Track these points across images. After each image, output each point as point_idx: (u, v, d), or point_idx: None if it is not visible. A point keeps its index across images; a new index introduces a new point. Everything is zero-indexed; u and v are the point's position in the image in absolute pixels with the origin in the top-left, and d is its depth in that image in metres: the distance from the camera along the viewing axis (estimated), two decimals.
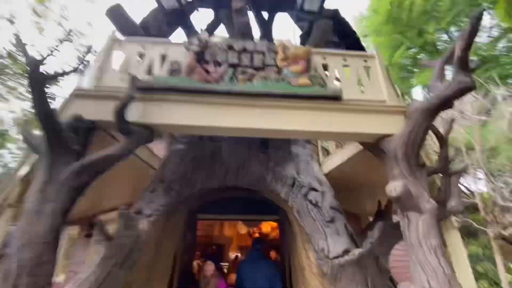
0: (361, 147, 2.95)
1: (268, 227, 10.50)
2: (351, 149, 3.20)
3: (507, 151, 7.63)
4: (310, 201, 2.77)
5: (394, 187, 1.85)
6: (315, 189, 2.86)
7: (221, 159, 2.75)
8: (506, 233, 5.98)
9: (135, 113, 2.05)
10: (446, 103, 1.83)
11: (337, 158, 3.48)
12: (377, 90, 2.39)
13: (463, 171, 3.30)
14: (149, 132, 2.04)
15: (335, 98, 2.17)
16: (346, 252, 2.40)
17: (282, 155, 3.02)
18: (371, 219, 5.85)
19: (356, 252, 2.32)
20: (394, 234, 3.10)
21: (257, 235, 11.23)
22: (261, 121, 2.07)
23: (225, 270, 7.28)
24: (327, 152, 5.91)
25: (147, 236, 2.37)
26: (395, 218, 3.47)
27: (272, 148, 3.00)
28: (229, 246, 10.95)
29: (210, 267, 3.20)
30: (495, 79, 7.27)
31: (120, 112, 1.93)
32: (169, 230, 2.81)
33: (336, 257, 2.34)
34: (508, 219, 6.23)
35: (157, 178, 2.70)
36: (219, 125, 2.03)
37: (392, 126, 2.14)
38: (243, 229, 10.86)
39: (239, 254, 9.61)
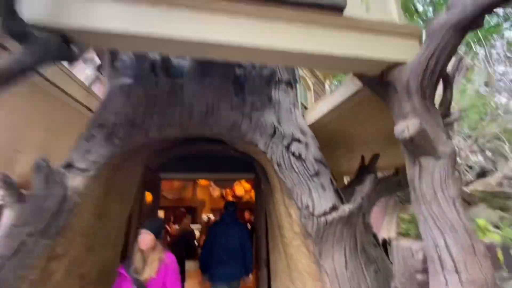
0: (344, 97, 2.54)
1: (241, 189, 10.39)
2: (332, 101, 2.78)
3: (473, 114, 7.87)
4: (293, 153, 2.33)
5: (406, 126, 1.43)
6: (298, 140, 2.42)
7: (183, 100, 2.12)
8: (467, 190, 6.38)
9: (38, 11, 1.31)
10: (486, 11, 1.35)
11: (316, 111, 3.05)
12: (386, 7, 1.85)
13: (456, 121, 3.06)
14: (61, 41, 1.33)
15: (336, 8, 1.59)
16: (333, 208, 2.05)
17: (260, 100, 2.46)
18: (345, 179, 5.79)
19: (347, 208, 1.98)
20: (377, 190, 2.86)
21: (230, 197, 11.20)
22: (232, 34, 1.45)
23: (197, 232, 7.08)
24: (304, 108, 5.49)
25: (82, 195, 1.78)
26: (382, 173, 3.20)
27: (249, 91, 2.42)
28: (202, 208, 10.81)
29: (145, 238, 1.94)
30: (480, 38, 7.16)
31: (6, 5, 1.19)
32: (117, 190, 2.23)
33: (323, 214, 1.98)
34: (470, 177, 6.61)
35: (96, 122, 2.03)
36: (169, 36, 1.37)
37: (404, 53, 1.65)
38: (216, 191, 10.67)
39: (211, 216, 9.48)
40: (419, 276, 1.48)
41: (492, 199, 7.39)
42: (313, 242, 1.95)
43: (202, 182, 10.12)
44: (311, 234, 1.95)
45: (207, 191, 10.48)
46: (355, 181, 3.26)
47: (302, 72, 6.04)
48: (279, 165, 2.27)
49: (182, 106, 2.13)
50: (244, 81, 2.41)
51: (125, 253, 2.42)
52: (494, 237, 5.75)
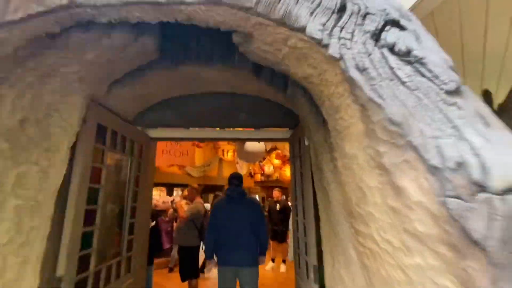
0: None
1: (270, 166, 9.37)
2: None
3: None
4: (391, 48, 0.98)
5: None
6: (398, 24, 1.05)
7: None
8: None
9: None
10: None
11: None
12: None
13: None
14: None
15: None
16: None
17: None
18: None
19: None
20: None
21: (259, 176, 10.36)
22: None
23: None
24: None
25: None
26: None
27: None
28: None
29: None
30: None
31: None
32: (4, 135, 1.11)
33: None
34: None
35: None
36: None
37: None
38: (243, 168, 9.85)
39: None
40: None
41: None
42: (490, 261, 0.64)
43: (228, 158, 9.29)
44: (483, 241, 0.64)
45: (234, 167, 9.66)
46: None
47: None
48: (361, 69, 0.94)
49: None
50: None
51: (51, 263, 1.33)
52: None
